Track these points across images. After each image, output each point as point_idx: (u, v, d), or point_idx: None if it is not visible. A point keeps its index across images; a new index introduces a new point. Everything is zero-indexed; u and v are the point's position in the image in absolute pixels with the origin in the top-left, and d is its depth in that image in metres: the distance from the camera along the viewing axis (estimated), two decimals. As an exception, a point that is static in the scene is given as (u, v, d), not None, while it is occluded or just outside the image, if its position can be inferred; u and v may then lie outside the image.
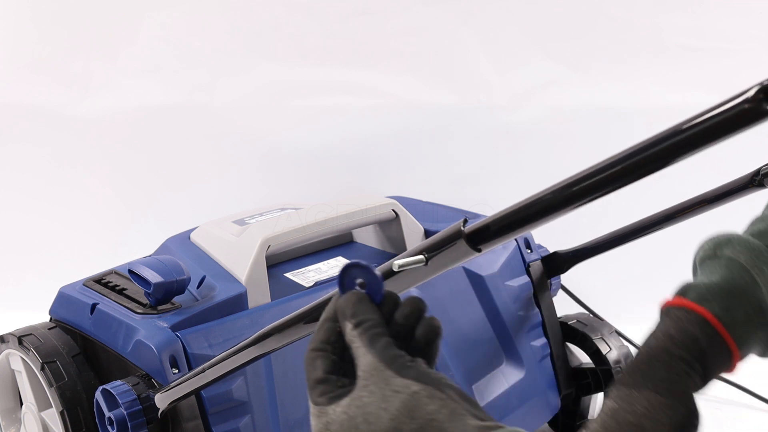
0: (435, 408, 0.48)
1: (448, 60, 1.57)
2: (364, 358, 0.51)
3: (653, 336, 0.63)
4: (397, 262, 0.56)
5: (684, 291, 0.64)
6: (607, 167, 0.47)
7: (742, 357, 0.63)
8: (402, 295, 0.58)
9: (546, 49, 1.56)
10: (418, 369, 0.51)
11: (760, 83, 0.40)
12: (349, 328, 0.53)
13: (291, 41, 1.57)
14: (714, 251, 0.65)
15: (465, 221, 0.55)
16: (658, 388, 0.59)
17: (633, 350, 1.17)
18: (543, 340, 1.13)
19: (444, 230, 0.57)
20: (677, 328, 0.61)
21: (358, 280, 0.55)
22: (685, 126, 0.43)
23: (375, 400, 0.49)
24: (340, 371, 0.54)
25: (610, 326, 1.18)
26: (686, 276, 0.66)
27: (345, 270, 0.55)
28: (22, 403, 1.07)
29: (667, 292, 0.64)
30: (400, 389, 0.49)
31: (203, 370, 0.76)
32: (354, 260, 0.55)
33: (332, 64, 1.57)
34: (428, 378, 0.50)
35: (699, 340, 0.61)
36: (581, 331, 1.15)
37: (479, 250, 0.55)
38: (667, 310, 0.64)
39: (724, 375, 0.65)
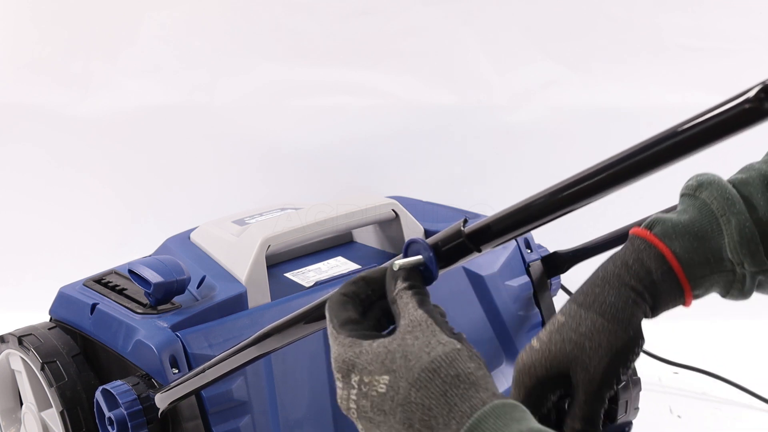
0: (474, 366, 0.51)
1: (448, 60, 1.57)
2: (414, 312, 0.53)
3: (612, 260, 0.65)
4: (396, 262, 0.56)
5: (651, 224, 0.65)
6: (609, 167, 0.47)
7: (696, 296, 0.65)
8: None
9: (546, 49, 1.56)
10: (462, 336, 0.53)
11: (762, 83, 0.40)
12: (400, 287, 0.55)
13: (291, 41, 1.56)
14: (694, 190, 0.66)
15: (465, 221, 0.55)
16: (604, 312, 0.62)
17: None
18: (543, 340, 1.13)
19: (444, 230, 0.57)
20: (635, 258, 0.64)
21: (418, 258, 0.56)
22: (686, 126, 0.43)
23: (419, 344, 0.51)
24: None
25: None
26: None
27: (413, 243, 0.57)
28: (22, 403, 1.07)
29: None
30: (446, 343, 0.51)
31: (203, 370, 0.76)
32: (426, 240, 0.57)
33: (332, 64, 1.57)
34: (469, 346, 0.53)
35: (652, 273, 0.63)
36: (581, 331, 1.15)
37: (479, 250, 0.55)
38: (631, 238, 0.65)
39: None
